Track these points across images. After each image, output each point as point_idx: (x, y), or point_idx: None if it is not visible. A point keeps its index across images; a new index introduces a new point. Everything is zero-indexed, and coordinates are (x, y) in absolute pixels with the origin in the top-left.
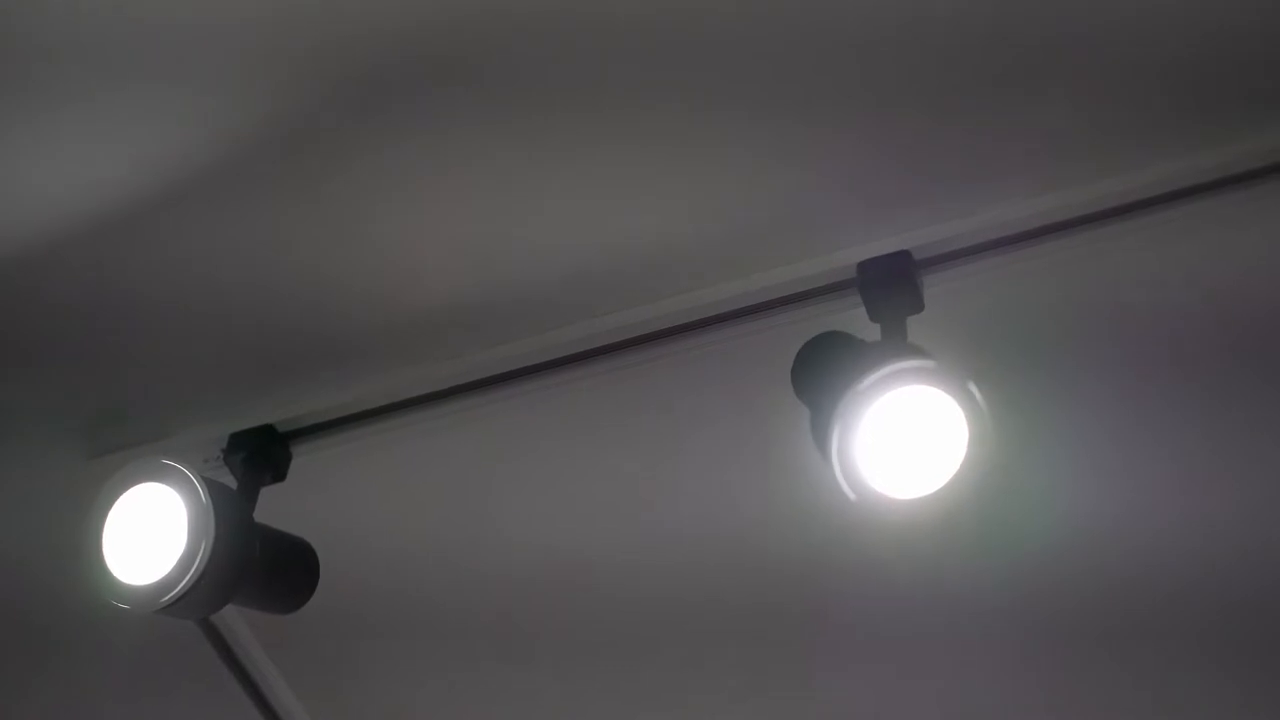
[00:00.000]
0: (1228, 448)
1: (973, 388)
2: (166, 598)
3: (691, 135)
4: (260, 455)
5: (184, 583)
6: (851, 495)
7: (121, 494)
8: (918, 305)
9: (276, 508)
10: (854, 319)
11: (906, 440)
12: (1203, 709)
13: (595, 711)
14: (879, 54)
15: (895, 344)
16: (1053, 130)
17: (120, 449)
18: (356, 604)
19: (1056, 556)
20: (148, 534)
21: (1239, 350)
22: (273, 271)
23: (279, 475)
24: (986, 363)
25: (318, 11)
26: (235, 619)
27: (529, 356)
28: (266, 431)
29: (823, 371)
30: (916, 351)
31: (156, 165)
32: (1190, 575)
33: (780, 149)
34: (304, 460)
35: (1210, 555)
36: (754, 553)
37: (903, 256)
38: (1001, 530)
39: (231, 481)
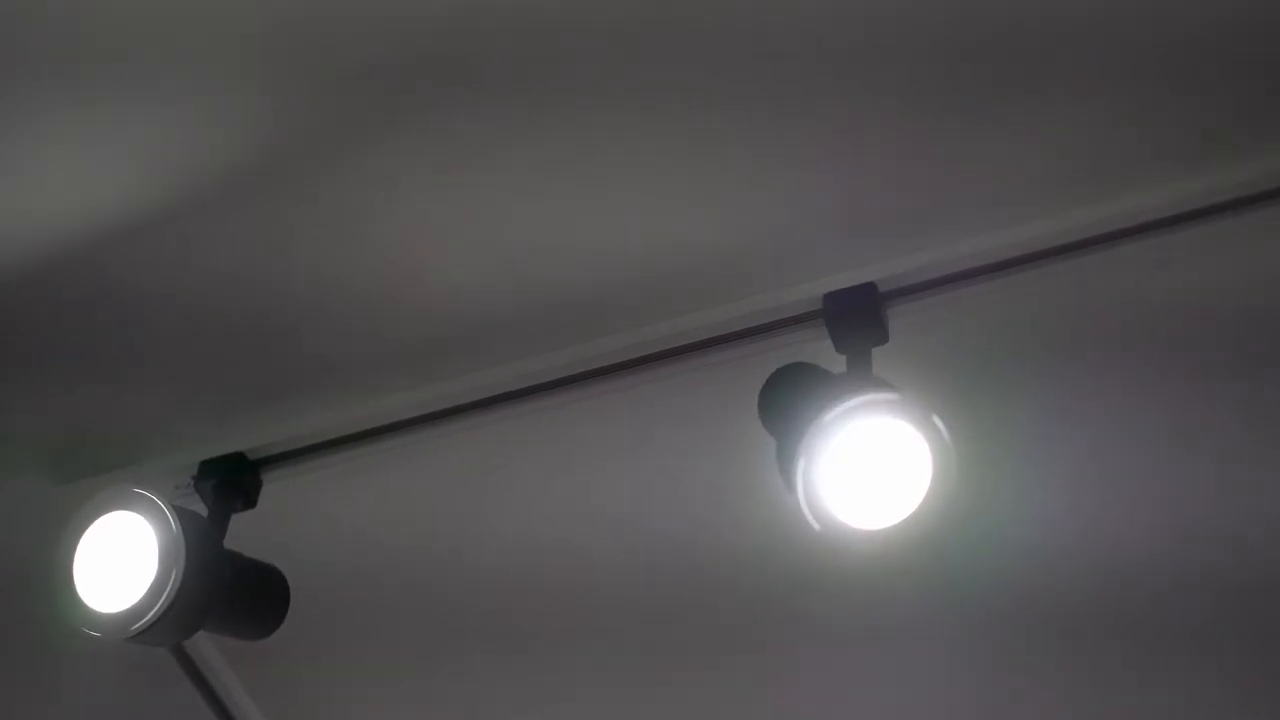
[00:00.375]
0: (1194, 475)
1: (937, 421)
2: (137, 625)
3: (655, 164)
4: (231, 482)
5: (155, 610)
6: (816, 525)
7: (92, 521)
8: (883, 337)
9: (247, 534)
10: (820, 350)
11: (871, 471)
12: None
13: None
14: (843, 88)
15: (860, 376)
16: (1017, 164)
17: (89, 475)
18: (327, 630)
19: (1020, 586)
20: (118, 562)
21: (1208, 377)
22: (241, 298)
23: (250, 502)
24: (951, 394)
25: (321, 10)
26: (206, 644)
27: (496, 385)
28: (237, 459)
29: (788, 403)
30: (881, 384)
31: (119, 190)
32: (1156, 603)
33: (747, 180)
34: (274, 487)
35: (1178, 584)
36: (717, 579)
37: (868, 288)
38: (965, 560)
39: (202, 509)
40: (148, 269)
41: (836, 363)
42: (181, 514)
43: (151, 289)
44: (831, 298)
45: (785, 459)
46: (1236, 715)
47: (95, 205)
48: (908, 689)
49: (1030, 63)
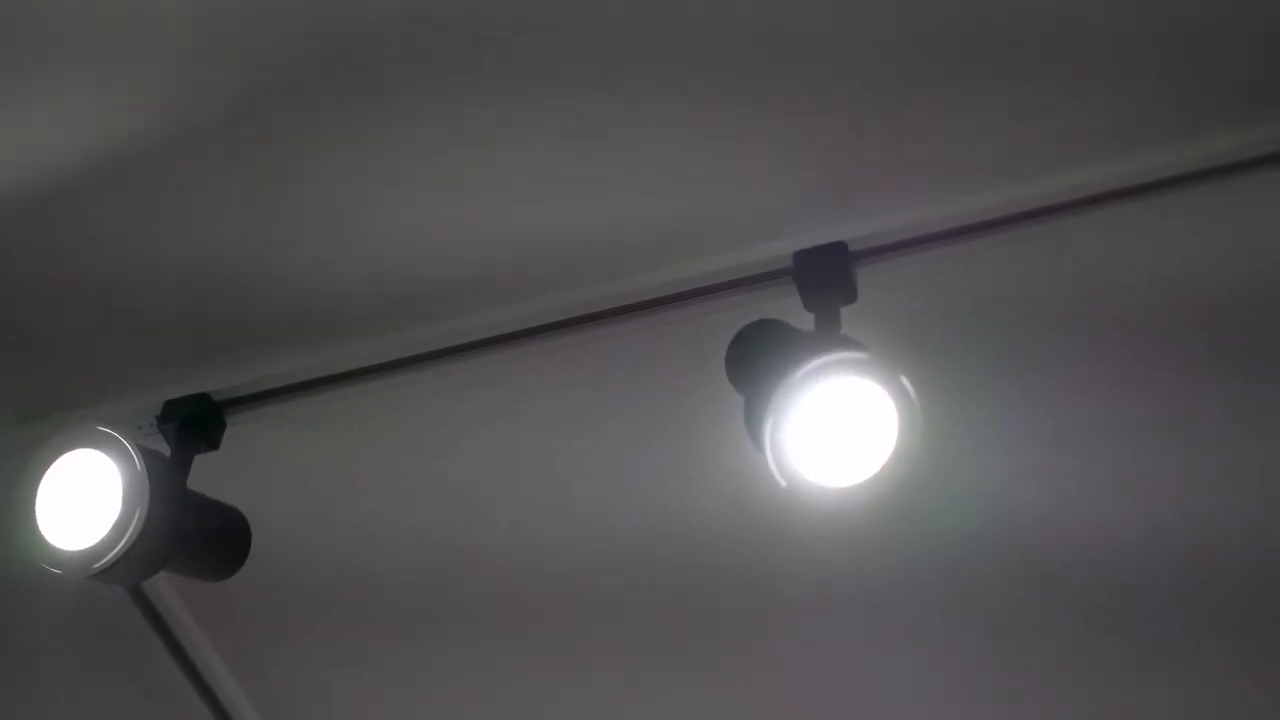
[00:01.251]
0: (1168, 433)
1: (904, 380)
2: (99, 563)
3: (628, 121)
4: (194, 423)
5: (117, 549)
6: (783, 482)
7: (55, 459)
8: (851, 296)
9: (209, 477)
10: (789, 308)
11: (838, 430)
12: (1146, 694)
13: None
14: (819, 45)
15: (829, 335)
16: (992, 126)
17: (52, 414)
18: (286, 573)
19: (984, 544)
20: (81, 500)
21: (1181, 337)
22: (209, 238)
23: (213, 444)
24: (919, 354)
25: None
26: (165, 587)
27: (464, 334)
28: (201, 399)
29: (756, 360)
30: (850, 343)
31: (92, 136)
32: (1128, 562)
33: (720, 137)
34: (238, 429)
35: (1150, 541)
36: (684, 537)
37: (839, 247)
38: (929, 518)
39: (165, 449)
40: (115, 214)
41: (805, 321)
42: (145, 453)
43: (118, 233)
44: (802, 256)
45: (753, 417)
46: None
47: (62, 153)
48: (878, 652)
49: (1002, 33)
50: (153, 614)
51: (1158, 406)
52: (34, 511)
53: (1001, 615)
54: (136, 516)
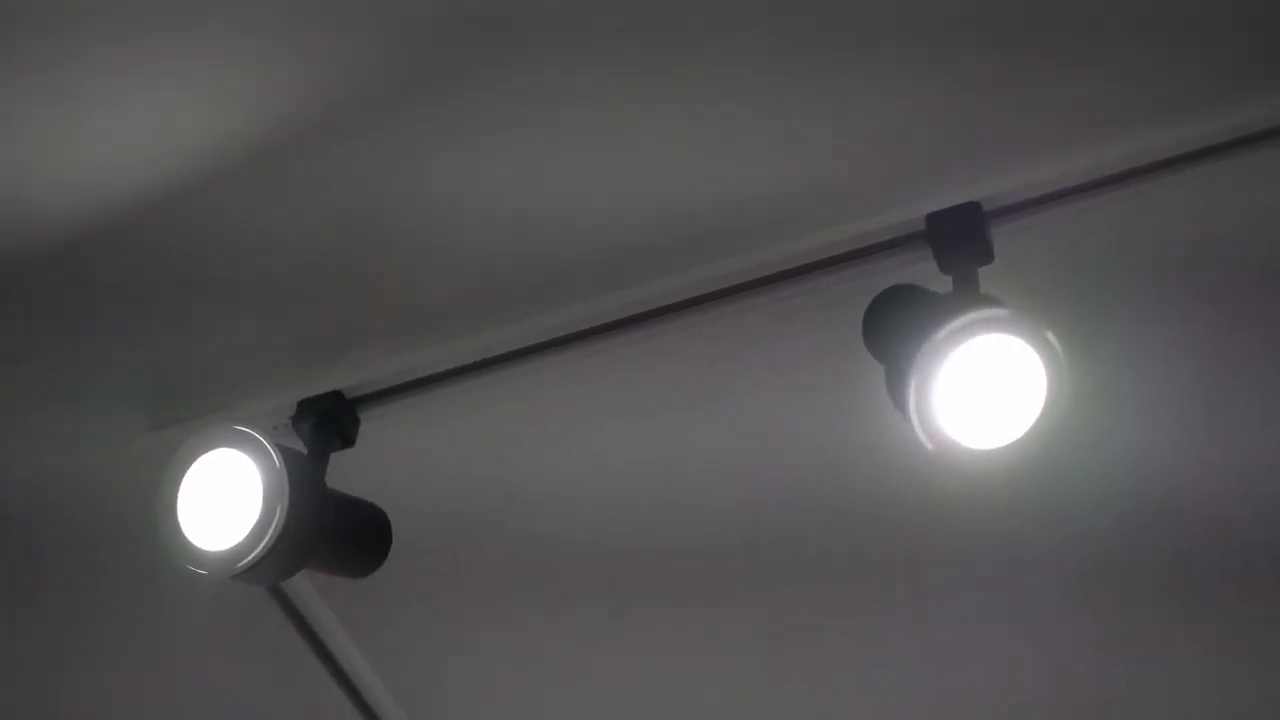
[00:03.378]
0: None
1: (1050, 336)
2: (243, 563)
3: (756, 91)
4: (329, 421)
5: (260, 548)
6: (930, 446)
7: (195, 459)
8: (988, 256)
9: (346, 474)
10: (925, 273)
11: (984, 390)
12: None
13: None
14: (936, 9)
15: (970, 294)
16: (1121, 78)
17: (186, 419)
18: (424, 568)
19: (1132, 505)
20: (221, 500)
21: None
22: (336, 239)
23: (348, 441)
24: (1058, 312)
25: None
26: (301, 580)
27: (596, 317)
28: (334, 397)
29: (896, 324)
30: (992, 301)
31: (213, 136)
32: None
33: (846, 103)
34: (373, 425)
35: None
36: (828, 505)
37: (972, 208)
38: (1079, 479)
39: (301, 449)
40: (242, 212)
41: (941, 285)
42: (284, 451)
43: (246, 232)
44: (935, 218)
45: (896, 380)
46: None
47: (191, 148)
48: (1023, 615)
49: None
50: (287, 604)
51: None
52: (176, 513)
53: (1148, 583)
54: (278, 515)
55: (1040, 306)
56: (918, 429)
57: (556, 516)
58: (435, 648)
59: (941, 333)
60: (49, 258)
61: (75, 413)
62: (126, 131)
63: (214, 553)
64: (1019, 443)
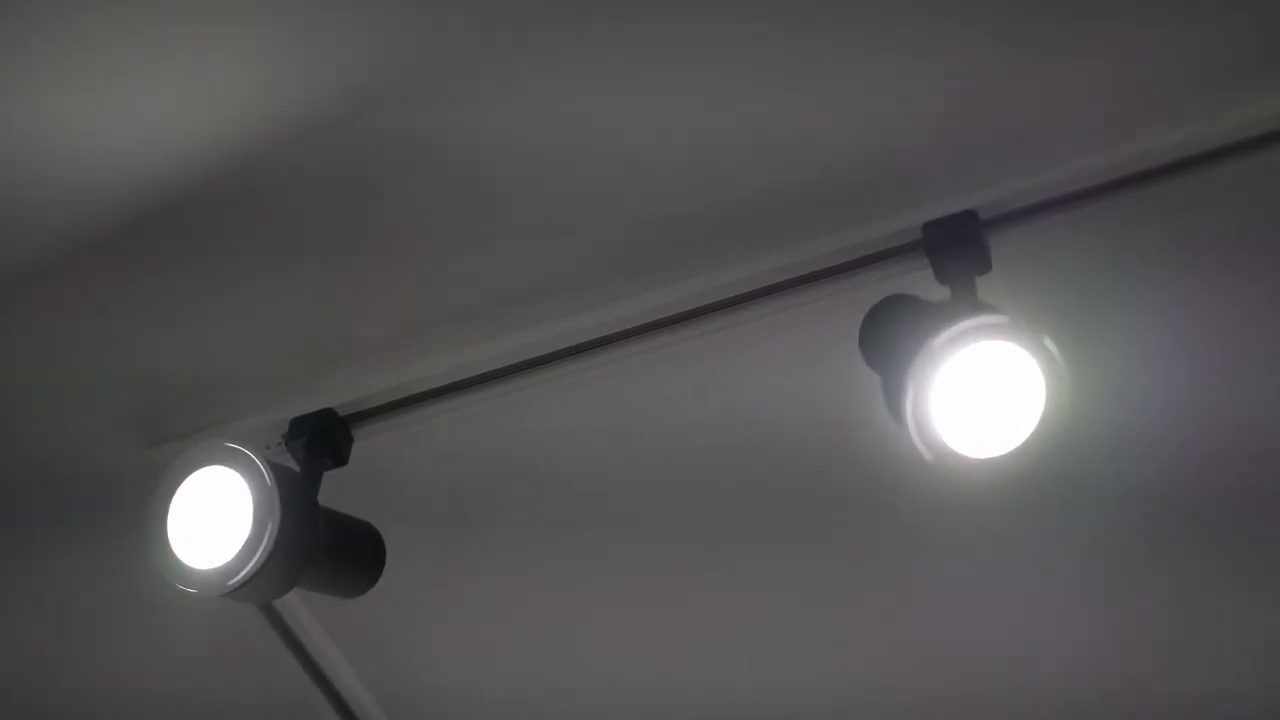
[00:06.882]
0: None
1: (1048, 343)
2: (233, 581)
3: (748, 98)
4: (322, 439)
5: (250, 566)
6: (927, 455)
7: (186, 477)
8: (985, 265)
9: (339, 492)
10: (921, 281)
11: (982, 398)
12: None
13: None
14: (942, 6)
15: (966, 301)
16: (1116, 84)
17: (179, 437)
18: (418, 586)
19: (1133, 511)
20: (212, 518)
21: None
22: (326, 254)
23: (341, 459)
24: (1057, 320)
25: None
26: (293, 596)
27: (588, 331)
28: (327, 415)
29: (893, 333)
30: (988, 309)
31: (201, 139)
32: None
33: (840, 110)
34: (366, 443)
35: None
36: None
37: (969, 216)
38: (1080, 488)
39: (294, 468)
40: (232, 224)
41: (939, 294)
42: (276, 469)
43: (231, 243)
44: (931, 227)
45: (893, 389)
46: None
47: (186, 150)
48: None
49: None
50: (277, 620)
51: None
52: (166, 530)
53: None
54: (269, 533)
55: (1038, 315)
56: (915, 438)
57: (549, 536)
58: (427, 664)
59: (938, 339)
60: (47, 267)
61: (67, 427)
62: (108, 135)
63: (204, 571)
64: (1017, 451)
